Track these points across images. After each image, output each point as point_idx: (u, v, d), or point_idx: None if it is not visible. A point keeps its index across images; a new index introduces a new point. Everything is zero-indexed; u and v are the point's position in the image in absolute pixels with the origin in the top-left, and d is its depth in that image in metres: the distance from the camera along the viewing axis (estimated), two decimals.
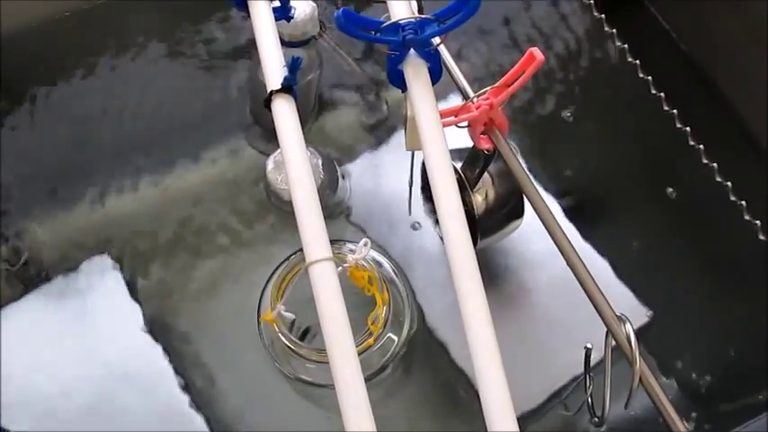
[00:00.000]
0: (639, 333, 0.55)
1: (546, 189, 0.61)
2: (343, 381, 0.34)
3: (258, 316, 0.52)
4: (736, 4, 0.61)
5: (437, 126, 0.39)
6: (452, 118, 0.45)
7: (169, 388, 0.54)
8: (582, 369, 0.45)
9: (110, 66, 0.66)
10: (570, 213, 0.60)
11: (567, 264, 0.41)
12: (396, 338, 0.51)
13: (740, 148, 0.64)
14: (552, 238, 0.42)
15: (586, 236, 0.59)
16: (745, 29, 0.61)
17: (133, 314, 0.57)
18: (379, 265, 0.53)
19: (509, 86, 0.43)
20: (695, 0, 0.64)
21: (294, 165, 0.39)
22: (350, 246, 0.51)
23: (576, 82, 0.66)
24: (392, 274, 0.53)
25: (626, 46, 0.66)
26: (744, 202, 0.60)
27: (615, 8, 0.69)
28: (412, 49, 0.41)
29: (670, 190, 0.61)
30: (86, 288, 0.57)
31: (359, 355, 0.46)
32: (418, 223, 0.60)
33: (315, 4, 0.55)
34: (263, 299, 0.52)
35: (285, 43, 0.54)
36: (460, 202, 0.37)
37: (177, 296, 0.57)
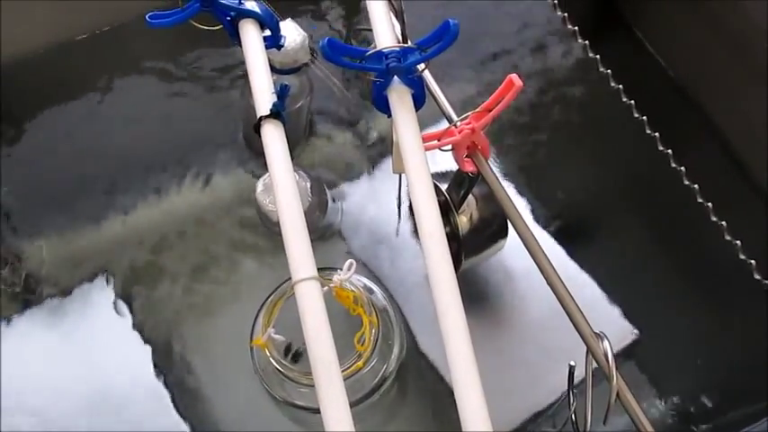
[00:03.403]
0: (627, 351, 0.56)
1: (532, 211, 0.62)
2: (326, 396, 0.35)
3: (250, 341, 0.52)
4: (721, 27, 0.63)
5: (419, 150, 0.40)
6: (436, 142, 0.46)
7: (162, 409, 0.55)
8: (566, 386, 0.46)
9: (108, 91, 0.67)
10: (557, 234, 0.61)
11: (547, 282, 0.42)
12: (385, 362, 0.52)
13: (723, 170, 0.65)
14: (532, 258, 0.43)
15: (574, 256, 0.60)
16: (729, 52, 0.63)
17: (128, 336, 0.57)
18: (370, 291, 0.53)
19: (490, 111, 0.45)
20: (681, 24, 0.66)
21: (282, 188, 0.40)
22: (339, 272, 0.51)
23: (561, 106, 0.67)
24: (382, 300, 0.54)
25: (609, 71, 0.68)
26: (724, 223, 0.61)
27: (601, 32, 0.70)
28: (396, 77, 0.42)
29: (654, 211, 0.63)
30: (83, 308, 0.58)
31: (349, 377, 0.47)
32: (407, 243, 0.61)
33: (305, 34, 0.56)
34: (256, 324, 0.52)
35: (277, 70, 0.56)
36: (441, 223, 0.38)
37: (172, 318, 0.58)
